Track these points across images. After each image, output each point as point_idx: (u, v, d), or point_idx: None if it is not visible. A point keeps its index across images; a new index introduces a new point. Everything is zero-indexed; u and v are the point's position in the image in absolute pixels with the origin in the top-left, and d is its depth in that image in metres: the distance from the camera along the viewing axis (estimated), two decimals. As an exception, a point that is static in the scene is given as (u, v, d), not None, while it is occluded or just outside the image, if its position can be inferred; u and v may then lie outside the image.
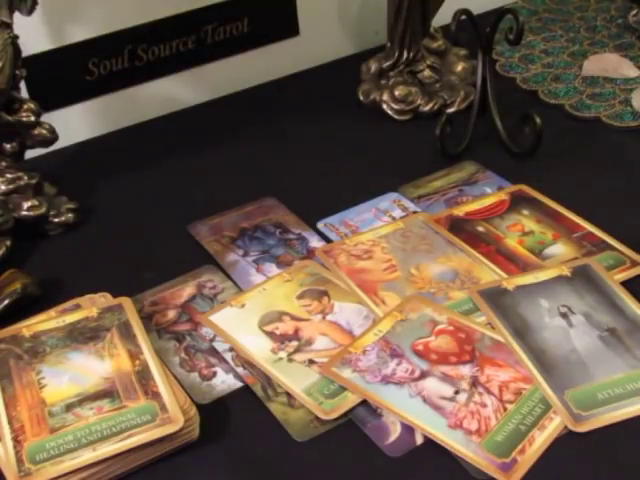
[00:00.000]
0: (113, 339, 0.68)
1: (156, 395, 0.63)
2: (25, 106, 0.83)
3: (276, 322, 0.72)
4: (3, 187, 0.83)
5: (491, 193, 0.86)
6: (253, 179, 0.92)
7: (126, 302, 0.72)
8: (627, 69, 1.05)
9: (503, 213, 0.82)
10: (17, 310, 0.73)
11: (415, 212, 0.84)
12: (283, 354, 0.68)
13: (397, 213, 0.84)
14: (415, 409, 0.62)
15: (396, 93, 1.00)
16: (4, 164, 0.84)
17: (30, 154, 0.89)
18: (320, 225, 0.84)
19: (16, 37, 0.80)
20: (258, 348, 0.69)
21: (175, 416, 0.61)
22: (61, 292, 0.76)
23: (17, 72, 0.81)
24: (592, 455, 0.60)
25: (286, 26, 1.10)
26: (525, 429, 0.61)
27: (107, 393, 0.63)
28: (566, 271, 0.74)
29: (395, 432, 0.62)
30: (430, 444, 0.61)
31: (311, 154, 0.95)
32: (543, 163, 0.90)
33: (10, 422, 0.61)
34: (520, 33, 0.88)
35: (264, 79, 1.10)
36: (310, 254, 0.80)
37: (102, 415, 0.62)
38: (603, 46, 1.11)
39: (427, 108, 1.00)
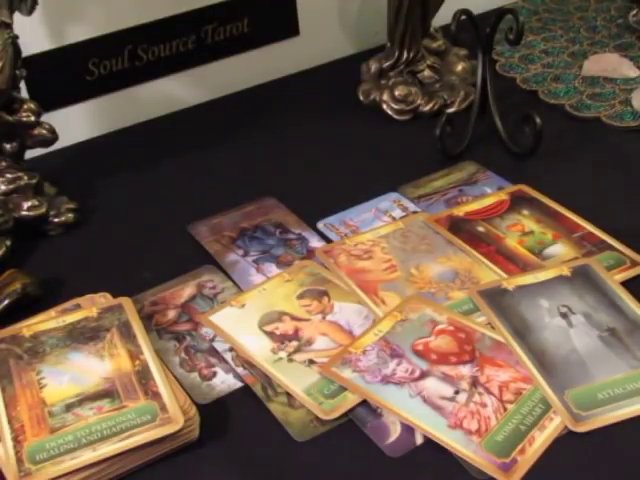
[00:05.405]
0: (113, 339, 0.68)
1: (156, 395, 0.63)
2: (25, 106, 0.83)
3: (276, 322, 0.72)
4: (3, 187, 0.83)
5: (491, 193, 0.86)
6: (253, 179, 0.92)
7: (126, 302, 0.72)
8: (627, 69, 1.04)
9: (503, 213, 0.82)
10: (17, 310, 0.73)
11: (415, 212, 0.84)
12: (283, 354, 0.68)
13: (397, 213, 0.84)
14: (415, 409, 0.62)
15: (396, 93, 1.00)
16: (4, 164, 0.84)
17: (30, 154, 0.89)
18: (320, 225, 0.84)
19: (16, 37, 0.80)
20: (258, 348, 0.69)
21: (175, 416, 0.61)
22: (61, 292, 0.76)
23: (17, 72, 0.81)
24: (592, 455, 0.60)
25: (286, 26, 1.10)
26: (525, 429, 0.61)
27: (107, 393, 0.63)
28: (566, 271, 0.74)
29: (395, 432, 0.62)
30: (430, 444, 0.61)
31: (311, 154, 0.95)
32: (543, 163, 0.90)
33: (10, 422, 0.61)
34: (520, 33, 0.88)
35: (264, 79, 1.10)
36: (310, 254, 0.80)
37: (102, 415, 0.62)
38: (603, 46, 1.11)
39: (427, 108, 1.00)
